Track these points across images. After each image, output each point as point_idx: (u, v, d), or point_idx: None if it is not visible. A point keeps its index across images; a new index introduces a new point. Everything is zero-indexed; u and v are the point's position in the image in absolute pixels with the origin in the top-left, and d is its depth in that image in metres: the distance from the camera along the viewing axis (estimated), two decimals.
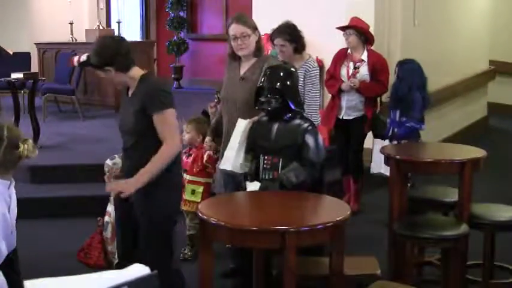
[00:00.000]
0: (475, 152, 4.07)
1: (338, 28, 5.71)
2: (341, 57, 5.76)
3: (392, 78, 5.64)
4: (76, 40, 10.81)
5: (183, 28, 12.30)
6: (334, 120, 5.73)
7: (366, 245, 4.68)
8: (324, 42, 5.67)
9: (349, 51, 5.71)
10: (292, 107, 3.63)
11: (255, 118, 3.80)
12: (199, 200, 4.51)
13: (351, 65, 5.66)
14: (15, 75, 7.83)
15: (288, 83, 3.64)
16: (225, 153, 3.86)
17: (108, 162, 4.13)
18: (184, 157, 4.80)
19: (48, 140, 7.37)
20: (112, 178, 4.13)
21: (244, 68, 4.05)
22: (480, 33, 9.50)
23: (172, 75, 12.48)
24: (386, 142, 5.38)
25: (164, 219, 3.35)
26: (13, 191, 2.85)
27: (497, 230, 4.01)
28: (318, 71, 5.08)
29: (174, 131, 3.31)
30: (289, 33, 4.93)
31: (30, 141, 2.89)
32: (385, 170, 5.30)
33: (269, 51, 5.56)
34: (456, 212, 4.00)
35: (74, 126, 8.33)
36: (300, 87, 5.05)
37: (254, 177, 3.66)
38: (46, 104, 9.14)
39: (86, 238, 4.57)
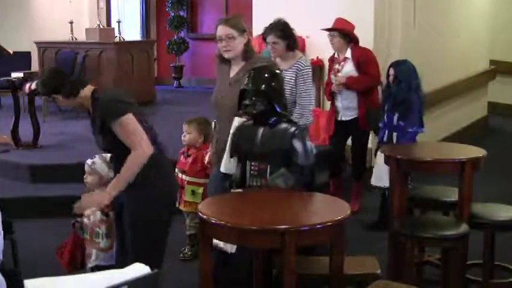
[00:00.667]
0: (475, 152, 4.07)
1: (323, 29, 5.68)
2: (331, 63, 5.79)
3: (385, 79, 5.50)
4: (76, 39, 10.80)
5: (183, 28, 12.31)
6: (333, 125, 5.71)
7: (365, 245, 4.68)
8: (323, 42, 5.66)
9: (335, 55, 5.69)
10: (278, 109, 3.50)
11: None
12: (199, 201, 4.45)
13: (337, 66, 5.64)
14: (15, 75, 7.84)
15: (273, 84, 3.50)
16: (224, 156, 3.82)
17: (88, 161, 4.06)
18: (182, 157, 4.78)
19: (48, 139, 7.37)
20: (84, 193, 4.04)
21: (233, 71, 3.98)
22: (480, 33, 9.49)
23: (173, 75, 12.49)
24: None
25: (145, 232, 3.31)
26: None
27: (497, 230, 4.01)
28: (310, 70, 5.06)
29: (137, 136, 3.24)
30: (281, 30, 4.94)
31: None
32: (387, 184, 5.29)
33: (263, 50, 5.53)
34: (456, 211, 4.00)
35: (74, 125, 8.33)
36: (292, 86, 5.08)
37: (240, 183, 3.55)
38: (46, 104, 9.14)
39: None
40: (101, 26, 10.63)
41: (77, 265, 3.97)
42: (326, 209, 3.19)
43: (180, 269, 4.54)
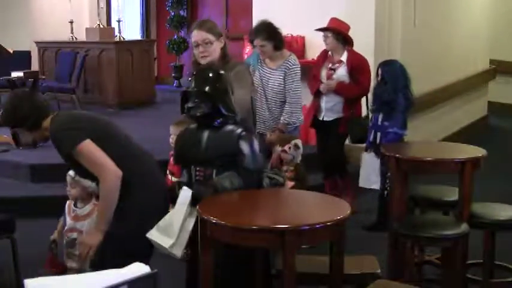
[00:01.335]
0: (475, 151, 4.06)
1: (317, 30, 5.65)
2: (322, 58, 5.69)
3: (373, 80, 5.50)
4: (76, 39, 10.82)
5: (183, 27, 12.31)
6: (311, 119, 5.65)
7: (365, 245, 4.68)
8: (323, 42, 5.65)
9: (329, 53, 5.64)
10: (223, 111, 3.28)
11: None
12: None
13: (330, 66, 5.58)
14: (15, 74, 7.86)
15: (218, 85, 3.27)
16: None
17: (71, 173, 3.83)
18: (172, 159, 4.62)
19: None
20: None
21: None
22: (480, 33, 9.50)
23: (173, 74, 12.49)
24: (379, 159, 5.21)
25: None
26: None
27: (497, 229, 4.01)
28: (299, 68, 5.08)
29: (99, 162, 3.08)
30: (266, 32, 4.95)
31: None
32: (377, 185, 5.28)
33: (246, 55, 5.51)
34: (456, 211, 4.00)
35: None
36: (281, 85, 5.07)
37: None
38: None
39: None
40: (101, 26, 10.64)
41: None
42: (326, 208, 3.19)
43: (180, 269, 4.54)
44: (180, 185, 3.31)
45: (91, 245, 3.15)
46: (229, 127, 3.28)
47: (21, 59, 9.86)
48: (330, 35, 5.50)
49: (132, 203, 3.18)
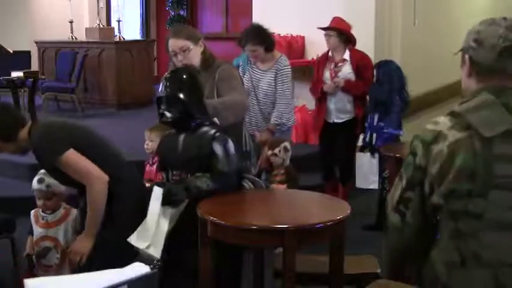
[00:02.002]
0: None
1: (320, 28, 5.64)
2: (323, 61, 5.63)
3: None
4: (76, 39, 10.82)
5: None
6: (322, 123, 5.58)
7: (365, 245, 4.68)
8: (323, 43, 5.65)
9: (330, 54, 5.58)
10: (194, 114, 3.21)
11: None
12: None
13: (333, 66, 5.51)
14: (15, 74, 7.86)
15: (188, 87, 3.20)
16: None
17: (40, 186, 3.60)
18: (147, 166, 4.50)
19: None
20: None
21: None
22: None
23: None
24: (375, 158, 5.20)
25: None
26: None
27: None
28: (289, 69, 5.05)
29: (85, 170, 3.05)
30: (257, 36, 4.92)
31: None
32: (375, 185, 5.27)
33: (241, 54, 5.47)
34: None
35: None
36: (272, 87, 5.05)
37: None
38: (46, 103, 9.14)
39: None
40: (101, 26, 10.64)
41: None
42: (326, 208, 3.19)
43: None
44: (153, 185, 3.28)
45: (83, 253, 3.13)
46: (204, 129, 3.22)
47: (21, 58, 9.86)
48: (332, 34, 5.47)
49: (119, 207, 3.16)
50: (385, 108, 5.13)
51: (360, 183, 5.37)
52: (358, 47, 5.67)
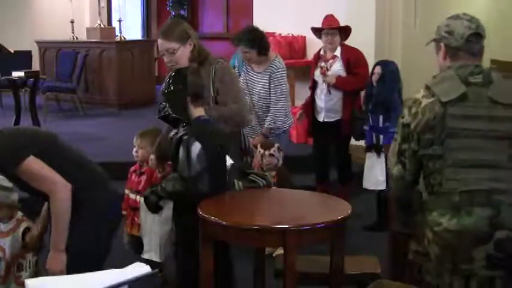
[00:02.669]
0: None
1: (328, 29, 5.58)
2: (315, 60, 5.60)
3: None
4: (77, 39, 10.82)
5: None
6: (310, 118, 5.55)
7: (365, 245, 4.68)
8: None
9: (322, 52, 5.54)
10: (172, 114, 3.24)
11: None
12: None
13: (323, 63, 5.45)
14: (16, 74, 7.85)
15: (172, 88, 3.23)
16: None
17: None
18: (133, 176, 4.11)
19: None
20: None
21: None
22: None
23: None
24: (382, 158, 5.18)
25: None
26: None
27: None
28: (283, 71, 4.99)
29: (47, 178, 2.90)
30: (249, 39, 4.85)
31: None
32: (383, 186, 5.25)
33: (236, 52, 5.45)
34: None
35: (75, 124, 8.32)
36: (266, 88, 5.02)
37: None
38: (47, 103, 9.14)
39: None
40: (102, 26, 10.64)
41: None
42: (326, 208, 3.19)
43: None
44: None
45: (61, 269, 2.93)
46: (183, 129, 3.22)
47: (22, 58, 9.87)
48: (337, 33, 5.43)
49: (85, 214, 3.01)
50: (387, 107, 5.11)
51: (368, 184, 5.34)
52: (358, 47, 5.65)
